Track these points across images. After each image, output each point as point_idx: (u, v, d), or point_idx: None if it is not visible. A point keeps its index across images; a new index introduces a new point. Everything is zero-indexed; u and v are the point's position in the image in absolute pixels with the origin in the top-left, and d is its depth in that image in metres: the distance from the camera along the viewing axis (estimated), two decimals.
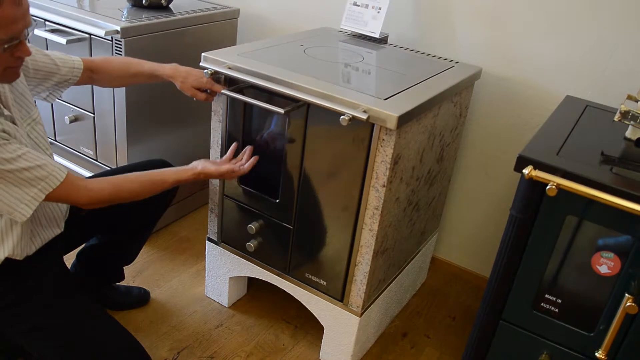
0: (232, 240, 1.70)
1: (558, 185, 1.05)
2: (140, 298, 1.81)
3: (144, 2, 2.00)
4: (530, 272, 1.18)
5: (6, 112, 1.20)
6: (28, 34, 1.14)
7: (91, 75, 1.49)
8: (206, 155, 1.60)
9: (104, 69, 1.51)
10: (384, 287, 1.65)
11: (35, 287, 1.32)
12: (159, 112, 2.00)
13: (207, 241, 1.77)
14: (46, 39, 1.87)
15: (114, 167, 2.00)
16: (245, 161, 1.50)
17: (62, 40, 1.81)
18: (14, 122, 1.24)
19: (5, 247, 1.26)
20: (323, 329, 1.63)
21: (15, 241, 1.27)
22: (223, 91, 1.46)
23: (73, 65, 1.43)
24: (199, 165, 1.43)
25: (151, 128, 2.00)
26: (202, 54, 1.49)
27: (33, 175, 1.14)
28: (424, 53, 1.80)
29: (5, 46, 1.10)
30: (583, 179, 1.05)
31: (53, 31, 1.86)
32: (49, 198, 1.18)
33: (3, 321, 1.33)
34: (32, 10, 1.95)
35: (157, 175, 1.38)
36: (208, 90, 1.51)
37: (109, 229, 1.60)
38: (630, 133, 1.26)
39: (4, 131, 1.14)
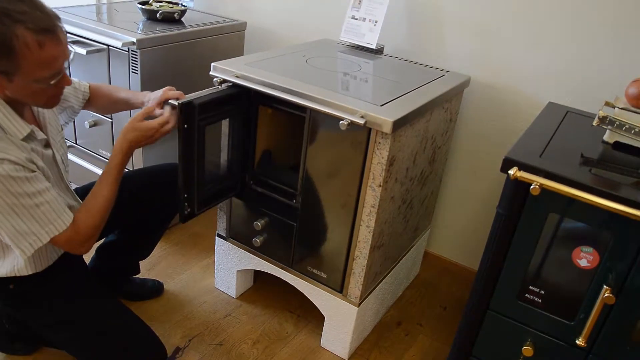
0: (239, 236, 1.70)
1: (541, 185, 1.05)
2: (154, 290, 1.81)
3: (158, 15, 2.00)
4: (515, 265, 1.18)
5: (40, 135, 1.19)
6: (68, 65, 1.13)
7: (89, 100, 1.47)
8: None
9: (97, 94, 1.48)
10: (380, 279, 1.65)
11: (58, 284, 1.32)
12: None
13: (216, 237, 1.77)
14: None
15: (129, 169, 2.00)
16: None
17: (83, 51, 1.82)
18: (48, 144, 1.23)
19: (32, 265, 1.27)
20: (324, 318, 1.63)
21: (44, 258, 1.28)
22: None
23: (84, 89, 1.44)
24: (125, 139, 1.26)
25: None
26: (212, 64, 1.49)
27: (45, 216, 1.12)
28: (417, 63, 1.80)
29: (52, 82, 1.10)
30: (564, 179, 1.05)
31: (74, 42, 1.87)
32: (53, 241, 1.16)
33: (28, 315, 1.33)
34: None
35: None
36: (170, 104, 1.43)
37: (127, 226, 1.60)
38: (608, 137, 1.26)
39: (31, 161, 1.12)
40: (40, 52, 1.04)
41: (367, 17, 1.81)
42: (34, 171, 1.11)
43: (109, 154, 2.05)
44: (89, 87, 1.45)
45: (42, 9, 1.05)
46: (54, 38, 1.06)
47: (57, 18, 1.08)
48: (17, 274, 1.25)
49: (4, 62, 1.03)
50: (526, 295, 1.20)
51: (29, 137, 1.15)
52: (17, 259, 1.24)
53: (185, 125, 1.31)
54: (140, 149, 1.93)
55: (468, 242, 2.04)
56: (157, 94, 1.38)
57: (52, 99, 1.17)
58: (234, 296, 1.84)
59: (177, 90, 1.51)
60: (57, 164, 1.27)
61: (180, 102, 1.29)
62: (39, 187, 1.11)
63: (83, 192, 1.40)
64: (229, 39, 2.14)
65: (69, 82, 1.17)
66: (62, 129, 1.34)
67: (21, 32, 1.01)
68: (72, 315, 1.32)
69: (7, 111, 1.11)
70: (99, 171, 2.08)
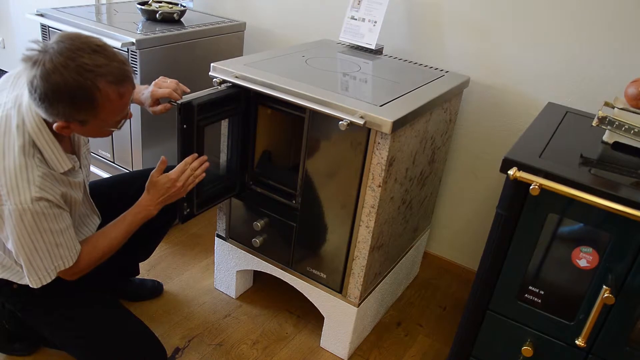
0: (239, 236, 1.70)
1: (540, 185, 1.05)
2: (154, 290, 1.81)
3: (157, 16, 2.00)
4: (515, 266, 1.18)
5: (77, 165, 1.22)
6: (130, 104, 1.18)
7: None
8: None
9: None
10: (380, 279, 1.65)
11: (60, 283, 1.32)
12: (172, 118, 1.99)
13: (216, 237, 1.77)
14: None
15: (130, 169, 2.00)
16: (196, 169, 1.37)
17: None
18: (80, 167, 1.26)
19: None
20: (323, 318, 1.63)
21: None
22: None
23: None
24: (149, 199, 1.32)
25: (164, 133, 2.00)
26: (211, 64, 1.49)
27: (59, 254, 1.16)
28: (416, 63, 1.80)
29: (122, 122, 1.17)
30: (564, 179, 1.05)
31: None
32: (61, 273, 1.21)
33: (29, 314, 1.34)
34: (55, 24, 1.96)
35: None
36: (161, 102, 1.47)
37: None
38: (607, 137, 1.26)
39: (64, 196, 1.16)
40: (120, 101, 1.09)
41: (366, 18, 1.81)
42: (63, 209, 1.15)
43: (108, 154, 2.06)
44: None
45: (116, 57, 1.08)
46: (130, 84, 1.10)
47: (127, 60, 1.11)
48: (21, 282, 1.27)
49: (84, 114, 1.07)
50: (526, 295, 1.20)
51: (68, 170, 1.20)
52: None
53: (184, 126, 1.32)
54: (140, 150, 1.93)
55: (468, 243, 2.04)
56: (149, 93, 1.41)
57: (110, 132, 1.20)
58: (234, 296, 1.84)
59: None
60: (84, 185, 1.31)
61: (179, 103, 1.30)
62: (63, 225, 1.15)
63: (92, 187, 1.42)
64: (229, 39, 2.14)
65: (131, 116, 1.21)
66: (87, 140, 1.35)
67: (103, 85, 1.04)
68: (72, 315, 1.32)
69: (55, 147, 1.14)
70: (99, 172, 2.08)
